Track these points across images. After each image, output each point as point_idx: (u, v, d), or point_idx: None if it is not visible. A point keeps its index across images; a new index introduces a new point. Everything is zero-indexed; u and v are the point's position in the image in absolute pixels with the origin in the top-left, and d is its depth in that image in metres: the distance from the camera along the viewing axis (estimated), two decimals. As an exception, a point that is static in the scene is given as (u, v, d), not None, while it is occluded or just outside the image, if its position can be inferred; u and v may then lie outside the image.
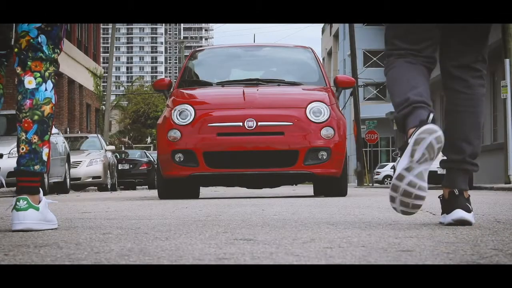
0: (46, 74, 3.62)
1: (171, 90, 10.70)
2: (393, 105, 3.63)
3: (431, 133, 3.29)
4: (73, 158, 21.51)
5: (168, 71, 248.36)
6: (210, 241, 2.92)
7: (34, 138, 3.56)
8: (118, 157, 31.91)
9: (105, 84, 43.88)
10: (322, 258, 2.31)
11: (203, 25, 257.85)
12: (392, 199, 3.42)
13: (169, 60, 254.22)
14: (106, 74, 43.75)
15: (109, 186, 24.27)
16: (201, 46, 33.41)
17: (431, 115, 3.41)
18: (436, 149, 3.30)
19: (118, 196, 13.54)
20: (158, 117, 20.81)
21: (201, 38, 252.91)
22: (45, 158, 3.59)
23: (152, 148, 63.62)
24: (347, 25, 52.23)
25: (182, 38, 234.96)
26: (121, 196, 13.48)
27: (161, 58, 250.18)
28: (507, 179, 22.76)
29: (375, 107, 54.74)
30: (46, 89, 3.60)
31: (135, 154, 35.46)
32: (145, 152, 35.77)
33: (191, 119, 9.74)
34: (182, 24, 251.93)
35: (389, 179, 41.99)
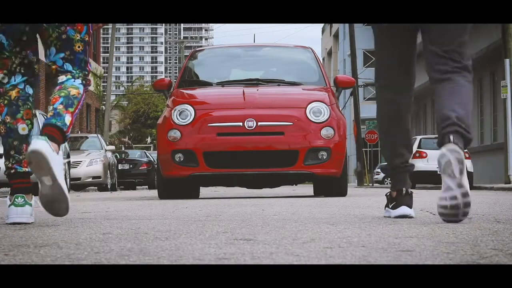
0: (75, 74, 4.17)
1: (171, 90, 10.69)
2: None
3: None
4: (73, 158, 21.51)
5: (168, 71, 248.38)
6: (210, 241, 2.92)
7: (59, 107, 3.95)
8: (118, 157, 31.91)
9: (105, 84, 43.90)
10: (322, 258, 2.31)
11: (203, 25, 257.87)
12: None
13: (169, 60, 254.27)
14: (106, 74, 43.76)
15: (109, 186, 24.27)
16: (201, 46, 33.41)
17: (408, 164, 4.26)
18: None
19: (118, 196, 13.54)
20: (158, 117, 20.81)
21: (201, 38, 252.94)
22: (67, 122, 3.94)
23: (152, 148, 63.63)
24: (347, 25, 52.25)
25: (182, 38, 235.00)
26: (121, 196, 13.48)
27: (161, 58, 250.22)
28: (507, 179, 22.76)
29: (375, 107, 54.65)
30: (74, 81, 4.12)
31: (135, 154, 35.47)
32: (145, 152, 35.77)
33: (191, 119, 9.74)
34: (182, 24, 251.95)
35: (389, 179, 41.96)
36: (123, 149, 52.48)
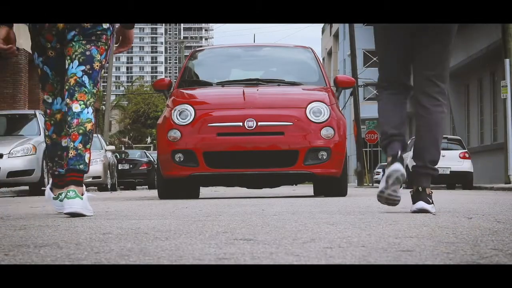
0: (88, 102, 4.98)
1: (171, 90, 10.69)
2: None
3: (397, 171, 4.92)
4: (73, 158, 21.49)
5: (168, 71, 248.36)
6: (210, 241, 2.92)
7: (80, 146, 4.94)
8: (118, 157, 31.91)
9: (105, 84, 43.85)
10: (322, 258, 2.31)
11: (203, 25, 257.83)
12: (380, 201, 5.10)
13: (169, 60, 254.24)
14: (106, 74, 43.74)
15: (109, 186, 24.26)
16: (201, 46, 33.40)
17: (399, 152, 4.99)
18: (401, 179, 4.94)
19: (118, 196, 13.54)
20: (158, 117, 20.79)
21: (201, 38, 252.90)
22: (87, 160, 5.00)
23: (152, 148, 63.63)
24: (347, 25, 52.25)
25: (182, 38, 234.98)
26: (121, 196, 13.48)
27: (161, 58, 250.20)
28: (507, 179, 22.76)
29: (375, 107, 54.47)
30: (88, 112, 4.96)
31: (135, 154, 35.46)
32: (145, 152, 35.75)
33: (191, 119, 9.73)
34: (182, 24, 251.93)
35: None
36: (123, 149, 52.48)
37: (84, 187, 4.99)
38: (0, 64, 28.67)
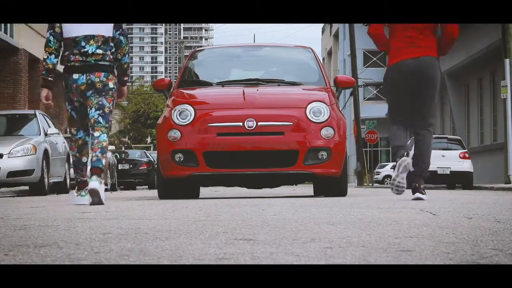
0: (103, 131, 7.79)
1: (171, 90, 10.69)
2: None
3: (405, 160, 7.77)
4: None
5: (168, 71, 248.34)
6: (210, 241, 2.92)
7: (99, 154, 7.66)
8: (118, 157, 31.91)
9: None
10: (322, 258, 2.31)
11: (203, 25, 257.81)
12: (391, 189, 8.03)
13: (169, 60, 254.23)
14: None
15: (109, 186, 24.27)
16: (201, 46, 33.38)
17: (405, 153, 7.87)
18: (408, 167, 7.79)
19: (118, 196, 13.54)
20: (158, 117, 20.77)
21: (201, 38, 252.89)
22: (103, 162, 7.71)
23: (152, 148, 63.61)
24: (347, 25, 52.24)
25: (182, 38, 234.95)
26: (121, 196, 13.48)
27: (161, 58, 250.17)
28: (507, 179, 22.76)
29: (375, 107, 54.75)
30: (103, 137, 7.78)
31: (135, 154, 35.44)
32: (145, 152, 35.73)
33: (191, 119, 9.73)
34: (182, 24, 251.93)
35: (389, 179, 41.97)
36: (123, 149, 52.47)
37: (102, 181, 7.58)
38: (0, 64, 28.68)
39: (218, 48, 12.40)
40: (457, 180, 25.08)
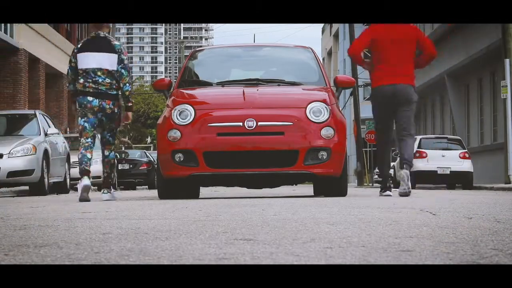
0: (111, 149, 10.17)
1: (171, 90, 10.69)
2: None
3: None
4: (73, 158, 21.46)
5: (168, 71, 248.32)
6: (210, 241, 2.92)
7: (109, 170, 10.33)
8: (118, 157, 31.90)
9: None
10: (322, 258, 2.31)
11: (203, 25, 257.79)
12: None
13: (169, 60, 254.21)
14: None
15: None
16: (201, 46, 33.36)
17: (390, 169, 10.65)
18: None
19: (118, 196, 13.52)
20: (158, 117, 20.75)
21: (201, 38, 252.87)
22: (112, 176, 10.35)
23: (152, 148, 63.63)
24: (347, 25, 52.23)
25: (182, 38, 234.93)
26: (121, 196, 13.47)
27: (161, 58, 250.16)
28: (507, 179, 22.76)
29: (375, 107, 54.59)
30: (111, 155, 10.21)
31: (135, 154, 35.42)
32: (145, 152, 35.73)
33: (191, 119, 9.73)
34: (182, 24, 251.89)
35: (389, 179, 41.86)
36: (123, 149, 52.47)
37: (111, 191, 10.15)
38: (0, 64, 28.67)
39: (218, 48, 12.40)
40: (457, 180, 25.08)
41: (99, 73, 9.75)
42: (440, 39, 34.55)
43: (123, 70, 9.84)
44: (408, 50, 10.20)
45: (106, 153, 10.15)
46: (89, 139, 9.82)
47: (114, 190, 10.50)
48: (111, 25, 11.06)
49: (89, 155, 9.77)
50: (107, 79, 9.76)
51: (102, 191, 10.01)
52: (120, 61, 9.83)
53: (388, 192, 10.30)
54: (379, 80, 10.27)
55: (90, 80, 9.76)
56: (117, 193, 10.93)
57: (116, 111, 9.95)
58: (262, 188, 11.68)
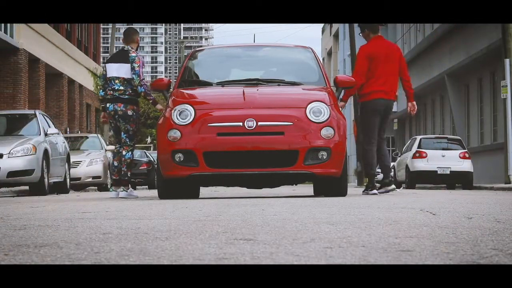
0: (129, 149, 11.34)
1: (171, 90, 10.69)
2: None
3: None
4: (73, 158, 21.51)
5: (168, 71, 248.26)
6: (210, 241, 2.92)
7: (125, 169, 11.37)
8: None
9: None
10: (322, 258, 2.31)
11: (203, 25, 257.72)
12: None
13: (169, 60, 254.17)
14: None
15: (109, 186, 24.25)
16: (201, 46, 33.34)
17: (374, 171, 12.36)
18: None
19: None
20: (158, 117, 20.76)
21: (201, 38, 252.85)
22: (128, 174, 11.39)
23: (152, 148, 63.63)
24: (347, 25, 52.22)
25: (182, 38, 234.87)
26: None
27: (161, 58, 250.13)
28: (507, 179, 22.76)
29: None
30: (128, 155, 11.34)
31: (135, 154, 35.34)
32: (145, 152, 35.72)
33: (191, 119, 9.72)
34: (182, 24, 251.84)
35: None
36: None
37: (127, 188, 11.30)
38: (0, 64, 28.67)
39: (218, 48, 12.39)
40: (457, 180, 25.09)
41: (116, 81, 11.19)
42: (440, 39, 34.56)
43: (134, 76, 11.20)
44: (396, 67, 11.84)
45: (124, 153, 11.27)
46: (117, 145, 11.41)
47: (132, 190, 11.42)
48: (140, 40, 12.39)
49: (115, 163, 11.26)
50: (121, 86, 11.16)
51: (119, 189, 11.20)
52: (132, 69, 11.21)
53: (374, 191, 11.75)
54: (375, 93, 11.71)
55: (110, 88, 11.23)
56: (135, 192, 11.86)
57: (129, 113, 11.22)
58: (262, 188, 11.68)
